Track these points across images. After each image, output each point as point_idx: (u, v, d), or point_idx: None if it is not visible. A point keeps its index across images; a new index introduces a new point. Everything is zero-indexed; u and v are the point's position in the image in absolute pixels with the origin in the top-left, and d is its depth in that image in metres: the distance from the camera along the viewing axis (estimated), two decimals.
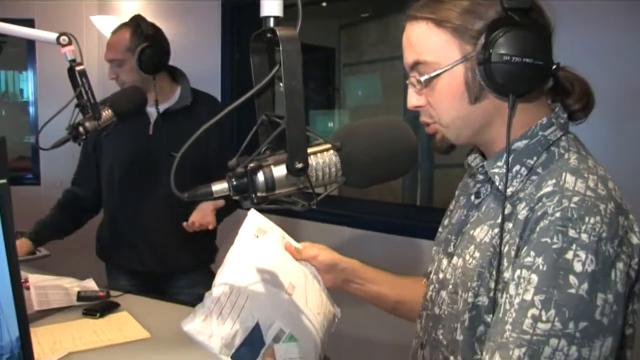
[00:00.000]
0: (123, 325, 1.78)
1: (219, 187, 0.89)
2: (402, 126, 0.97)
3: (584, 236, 0.85)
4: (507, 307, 0.90)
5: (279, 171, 0.88)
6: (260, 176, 0.87)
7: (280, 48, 0.82)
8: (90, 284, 2.13)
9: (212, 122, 0.85)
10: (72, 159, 4.38)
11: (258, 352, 1.13)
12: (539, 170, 0.98)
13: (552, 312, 0.84)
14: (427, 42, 1.01)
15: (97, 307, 1.87)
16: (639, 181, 1.94)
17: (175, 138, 2.14)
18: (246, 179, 0.87)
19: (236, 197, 0.89)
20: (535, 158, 0.99)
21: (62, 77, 1.78)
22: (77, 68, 1.75)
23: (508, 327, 0.88)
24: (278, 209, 0.92)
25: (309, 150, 0.89)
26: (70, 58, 1.76)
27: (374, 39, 4.61)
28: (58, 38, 1.77)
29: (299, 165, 0.84)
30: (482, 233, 1.02)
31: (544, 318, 0.85)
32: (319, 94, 4.97)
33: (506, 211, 0.98)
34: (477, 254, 1.01)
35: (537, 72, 0.94)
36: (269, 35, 0.89)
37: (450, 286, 1.06)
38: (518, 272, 0.90)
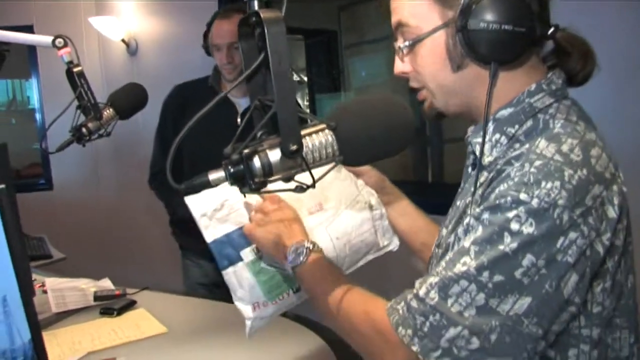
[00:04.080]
0: (140, 322, 1.79)
1: (216, 175, 0.88)
2: (397, 102, 0.95)
3: (535, 201, 0.84)
4: (455, 247, 0.93)
5: (275, 155, 0.87)
6: (257, 162, 0.87)
7: (265, 30, 0.81)
8: (107, 284, 2.15)
9: (205, 110, 0.85)
10: (82, 161, 4.42)
11: (241, 248, 1.22)
12: (522, 138, 0.96)
13: (478, 261, 0.86)
14: (409, 5, 1.00)
15: (113, 305, 1.89)
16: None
17: None
18: (242, 166, 0.87)
19: (234, 185, 0.89)
20: (517, 126, 0.96)
21: (65, 82, 1.78)
22: (75, 69, 1.75)
23: (443, 263, 0.92)
24: (278, 192, 0.91)
25: (304, 131, 0.88)
26: (67, 60, 1.76)
27: (374, 19, 4.58)
28: (54, 41, 1.76)
29: (293, 147, 0.84)
30: (462, 203, 1.03)
31: (468, 264, 0.87)
32: (324, 78, 4.95)
33: (482, 179, 0.98)
34: (451, 224, 1.03)
35: (518, 40, 0.91)
36: (254, 19, 0.88)
37: (435, 260, 1.09)
38: (468, 219, 0.93)
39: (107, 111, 1.84)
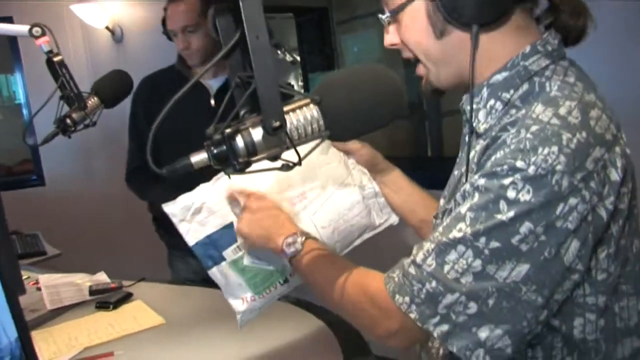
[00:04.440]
0: (137, 314, 1.78)
1: (199, 157, 0.87)
2: (384, 71, 0.94)
3: (531, 168, 0.83)
4: (452, 214, 0.93)
5: (258, 133, 0.85)
6: (239, 141, 0.85)
7: (240, 3, 0.79)
8: (102, 277, 2.14)
9: (178, 95, 0.83)
10: (73, 154, 4.41)
11: (223, 248, 1.25)
12: (517, 103, 0.94)
13: (474, 228, 0.86)
14: None
15: (109, 299, 1.88)
16: None
17: None
18: (225, 146, 0.85)
19: (218, 167, 0.87)
20: (512, 91, 0.94)
21: (49, 74, 1.75)
22: (55, 59, 1.72)
23: (440, 229, 0.92)
24: (264, 171, 0.90)
25: (287, 107, 0.86)
26: (47, 50, 1.73)
27: None
28: (30, 30, 1.74)
29: (276, 124, 0.82)
30: (459, 172, 1.03)
31: (464, 230, 0.87)
32: (317, 56, 4.91)
33: (478, 147, 0.96)
34: (448, 193, 1.03)
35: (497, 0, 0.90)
36: None
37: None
38: (466, 186, 0.92)
39: (92, 100, 1.81)
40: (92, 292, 1.97)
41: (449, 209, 1.02)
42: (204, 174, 1.14)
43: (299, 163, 0.88)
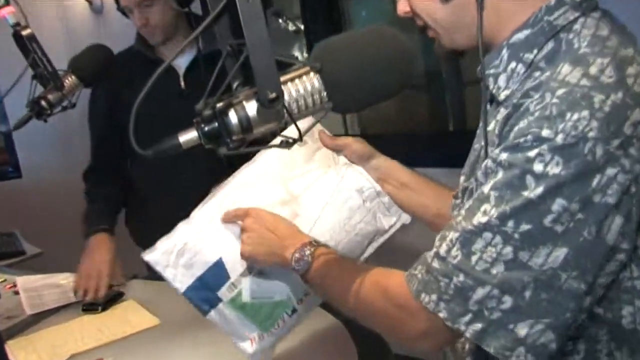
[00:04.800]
0: (130, 316, 1.81)
1: (188, 137, 0.88)
2: (391, 33, 0.94)
3: (560, 137, 0.81)
4: (474, 195, 0.92)
5: (253, 107, 0.86)
6: (233, 116, 0.86)
7: None
8: None
9: (167, 62, 0.84)
10: (51, 142, 4.42)
11: (217, 288, 1.27)
12: (542, 64, 0.92)
13: (500, 209, 0.85)
14: None
15: (97, 300, 1.90)
16: None
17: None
18: (217, 123, 0.86)
19: (209, 146, 0.88)
20: (535, 51, 0.93)
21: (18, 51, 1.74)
22: (23, 32, 1.71)
23: (462, 212, 0.92)
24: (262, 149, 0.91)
25: (284, 77, 0.87)
26: (13, 22, 1.71)
27: None
28: None
29: (272, 96, 0.83)
30: (479, 145, 1.02)
31: (489, 213, 0.86)
32: (323, 24, 4.90)
33: (499, 116, 0.95)
34: (467, 169, 1.03)
35: None
36: None
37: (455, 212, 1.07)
38: (487, 162, 0.91)
39: (69, 79, 1.81)
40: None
41: (469, 187, 1.01)
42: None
43: (300, 139, 0.89)
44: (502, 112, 0.96)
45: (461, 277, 0.88)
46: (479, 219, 0.87)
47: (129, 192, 2.45)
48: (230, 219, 1.28)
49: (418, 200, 1.34)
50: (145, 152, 0.85)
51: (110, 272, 2.05)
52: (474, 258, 0.87)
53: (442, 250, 0.91)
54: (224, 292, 1.27)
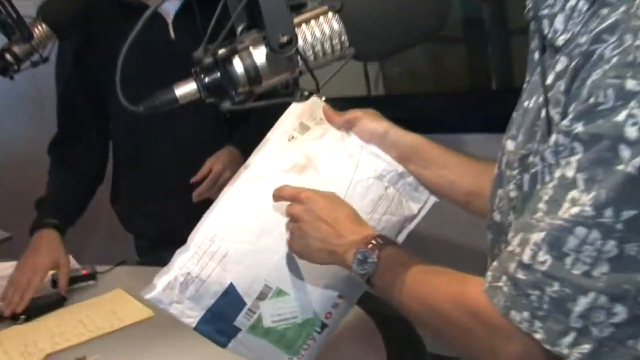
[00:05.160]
0: (118, 307, 1.83)
1: (186, 89, 0.89)
2: None
3: None
4: (547, 178, 0.88)
5: (261, 54, 0.87)
6: (238, 65, 0.88)
7: None
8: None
9: (154, 8, 0.85)
10: (18, 105, 4.43)
11: (232, 318, 1.27)
12: None
13: (592, 194, 0.80)
14: None
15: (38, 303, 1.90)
16: None
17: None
18: (219, 72, 0.88)
19: (211, 100, 0.89)
20: None
21: None
22: None
23: (541, 205, 0.87)
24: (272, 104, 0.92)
25: (297, 18, 0.88)
26: None
27: None
28: None
29: (284, 39, 0.83)
30: (532, 102, 0.98)
31: (579, 202, 0.81)
32: None
33: (559, 66, 0.92)
34: (522, 134, 0.98)
35: None
36: None
37: (504, 183, 1.04)
38: (556, 137, 0.86)
39: (39, 28, 1.82)
40: (56, 282, 2.01)
41: (526, 155, 0.97)
42: None
43: (318, 90, 0.90)
44: (563, 61, 0.92)
45: (556, 287, 0.82)
46: (568, 210, 0.82)
47: (115, 167, 2.45)
48: (280, 197, 1.24)
49: (447, 177, 1.32)
50: (135, 108, 0.87)
51: (40, 282, 1.97)
52: (568, 260, 0.82)
53: (526, 257, 0.86)
54: (241, 321, 1.28)
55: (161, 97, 0.89)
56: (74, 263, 2.16)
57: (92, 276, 2.07)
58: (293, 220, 1.21)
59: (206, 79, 0.88)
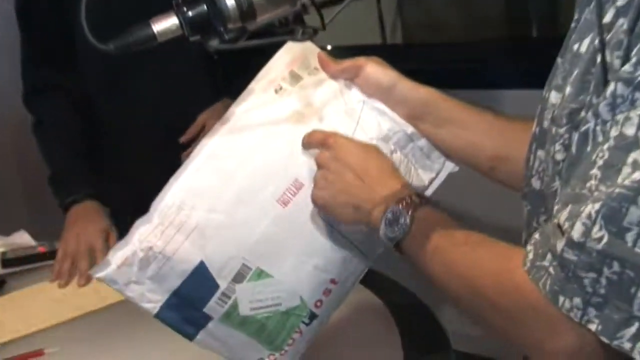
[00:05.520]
0: (101, 285, 1.84)
1: (165, 24, 0.89)
2: None
3: None
4: (600, 139, 0.86)
5: None
6: None
7: None
8: (23, 239, 2.18)
9: None
10: None
11: (205, 301, 1.23)
12: None
13: None
14: None
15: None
16: None
17: None
18: (206, 5, 0.87)
19: (195, 38, 0.89)
20: None
21: None
22: None
23: (595, 171, 0.84)
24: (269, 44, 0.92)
25: None
26: None
27: None
28: None
29: None
30: (584, 45, 0.96)
31: None
32: None
33: (620, 2, 0.89)
34: (570, 85, 0.96)
35: None
36: None
37: (548, 145, 1.02)
38: (614, 87, 0.84)
39: None
40: (7, 261, 2.03)
41: (577, 109, 0.96)
42: None
43: (323, 27, 0.90)
44: None
45: (615, 268, 0.80)
46: (629, 176, 0.80)
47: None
48: (311, 143, 1.23)
49: (467, 138, 1.30)
50: (105, 47, 0.86)
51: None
52: (629, 236, 0.79)
53: (577, 234, 0.83)
54: (213, 307, 1.24)
55: (136, 33, 0.88)
56: (27, 239, 2.17)
57: (53, 254, 2.07)
58: (320, 167, 1.20)
59: (190, 13, 0.87)
